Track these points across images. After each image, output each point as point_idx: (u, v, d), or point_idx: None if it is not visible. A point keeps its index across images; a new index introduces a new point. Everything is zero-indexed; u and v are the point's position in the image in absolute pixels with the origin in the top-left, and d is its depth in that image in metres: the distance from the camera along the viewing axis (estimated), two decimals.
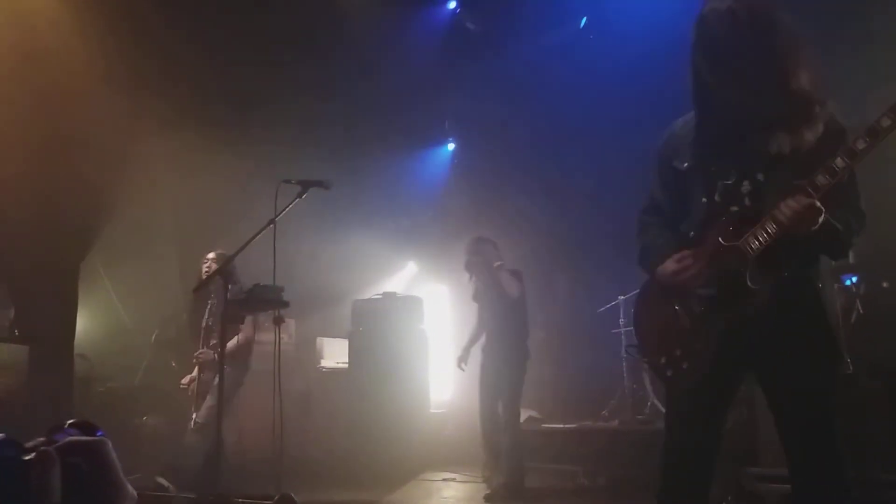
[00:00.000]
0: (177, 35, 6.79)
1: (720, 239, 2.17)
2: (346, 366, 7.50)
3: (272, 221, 4.02)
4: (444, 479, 6.19)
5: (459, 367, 5.63)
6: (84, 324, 7.77)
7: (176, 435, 5.71)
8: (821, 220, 1.98)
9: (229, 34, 7.12)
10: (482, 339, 5.51)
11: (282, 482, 4.29)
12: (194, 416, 5.06)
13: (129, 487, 0.64)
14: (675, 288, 2.27)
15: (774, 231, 2.05)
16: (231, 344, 5.04)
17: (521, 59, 8.03)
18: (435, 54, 8.01)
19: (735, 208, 2.17)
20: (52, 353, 6.70)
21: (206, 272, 5.22)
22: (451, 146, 9.87)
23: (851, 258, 5.74)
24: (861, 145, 1.96)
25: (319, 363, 7.74)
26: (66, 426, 0.67)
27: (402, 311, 7.32)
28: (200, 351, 5.15)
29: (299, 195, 4.08)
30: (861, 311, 5.52)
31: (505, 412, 5.17)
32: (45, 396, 5.88)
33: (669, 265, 2.26)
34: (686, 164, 2.32)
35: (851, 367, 4.93)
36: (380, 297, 7.56)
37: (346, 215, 8.14)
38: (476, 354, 5.58)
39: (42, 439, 0.64)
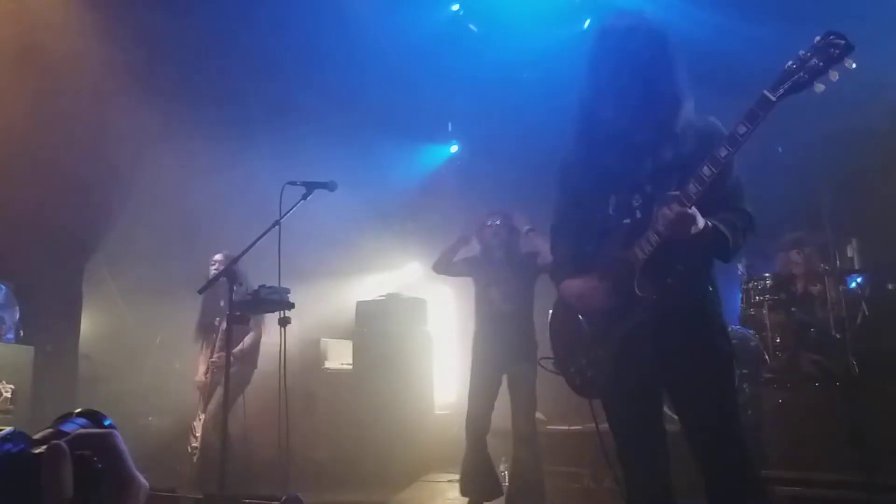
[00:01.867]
0: (182, 36, 6.81)
1: (612, 251, 2.29)
2: (351, 367, 7.50)
3: (277, 222, 4.03)
4: (449, 481, 6.17)
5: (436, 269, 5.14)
6: (89, 325, 7.79)
7: (180, 436, 5.73)
8: (697, 225, 2.08)
9: (234, 34, 7.14)
10: (481, 324, 4.82)
11: (288, 483, 4.30)
12: (202, 416, 5.10)
13: (141, 478, 0.64)
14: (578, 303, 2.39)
15: (656, 241, 2.15)
16: (242, 346, 5.16)
17: (524, 61, 8.02)
18: (437, 56, 8.01)
19: (627, 220, 2.28)
20: (57, 354, 6.73)
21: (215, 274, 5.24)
22: (454, 148, 9.87)
23: (857, 259, 5.74)
24: (723, 153, 2.06)
25: (324, 364, 7.74)
26: (74, 415, 0.67)
27: (406, 313, 7.32)
28: (218, 355, 5.16)
29: (304, 197, 4.09)
30: (866, 313, 5.51)
31: (524, 420, 4.50)
32: (49, 397, 5.90)
33: (574, 287, 2.39)
34: (582, 182, 2.43)
35: (857, 369, 4.93)
36: (384, 298, 7.56)
37: (350, 217, 8.14)
38: (465, 342, 5.18)
39: (50, 430, 0.64)
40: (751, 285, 5.90)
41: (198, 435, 5.16)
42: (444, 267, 5.09)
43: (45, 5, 6.48)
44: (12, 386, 5.54)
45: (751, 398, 5.21)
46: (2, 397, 5.49)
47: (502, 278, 4.70)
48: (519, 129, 8.03)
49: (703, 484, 2.17)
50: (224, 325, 5.12)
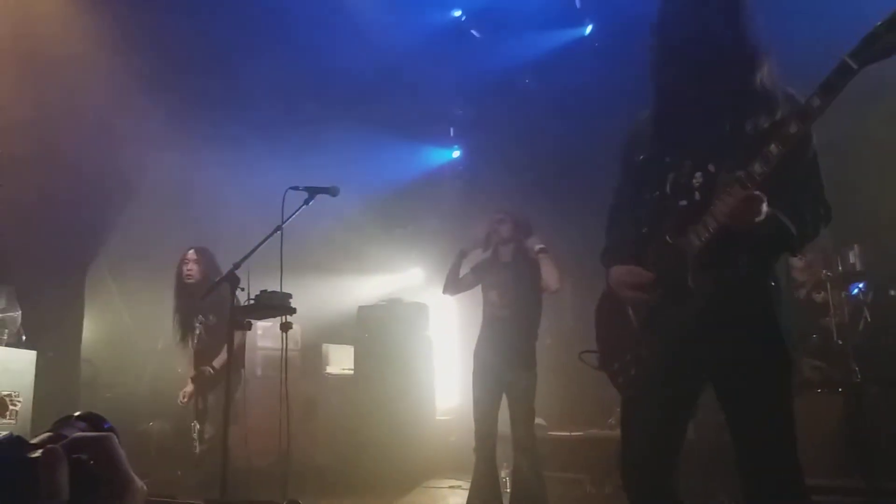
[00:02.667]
0: (186, 39, 6.84)
1: (667, 237, 2.06)
2: (352, 372, 7.50)
3: (279, 228, 4.03)
4: (451, 487, 6.17)
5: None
6: (90, 329, 7.81)
7: (181, 440, 5.72)
8: (763, 211, 1.85)
9: (237, 39, 7.17)
10: (483, 327, 4.66)
11: (288, 488, 4.29)
12: (198, 428, 4.98)
13: (138, 481, 0.64)
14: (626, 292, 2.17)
15: (714, 227, 1.93)
16: (221, 358, 4.89)
17: (526, 66, 8.04)
18: (439, 61, 8.02)
19: (684, 202, 2.05)
20: (58, 358, 6.74)
21: (188, 274, 5.10)
22: (456, 153, 9.89)
23: (859, 265, 5.73)
24: (793, 129, 1.83)
25: (325, 370, 7.74)
26: (73, 418, 0.67)
27: (408, 318, 7.32)
28: (202, 369, 4.98)
29: (306, 202, 4.10)
30: (869, 319, 5.49)
31: (525, 430, 4.37)
32: (51, 401, 5.91)
33: (621, 274, 2.17)
34: (642, 157, 2.22)
35: (859, 376, 4.92)
36: (385, 303, 7.56)
37: (352, 221, 8.15)
38: (466, 347, 5.01)
39: (49, 434, 0.64)
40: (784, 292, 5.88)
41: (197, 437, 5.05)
42: (452, 286, 4.88)
43: (47, 6, 6.50)
44: (20, 400, 5.53)
45: None
46: (9, 409, 5.48)
47: (503, 281, 4.56)
48: (521, 134, 8.05)
49: (745, 487, 2.00)
50: (202, 335, 5.03)
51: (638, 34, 2.31)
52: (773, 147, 1.84)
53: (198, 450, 4.99)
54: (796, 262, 5.96)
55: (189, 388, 5.12)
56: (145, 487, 0.65)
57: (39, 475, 0.58)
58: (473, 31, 8.19)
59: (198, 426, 5.00)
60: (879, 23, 1.76)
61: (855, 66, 1.76)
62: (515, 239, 4.62)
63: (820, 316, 5.53)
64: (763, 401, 2.00)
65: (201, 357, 5.06)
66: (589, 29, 7.83)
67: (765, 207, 1.85)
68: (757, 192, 1.83)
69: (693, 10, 2.02)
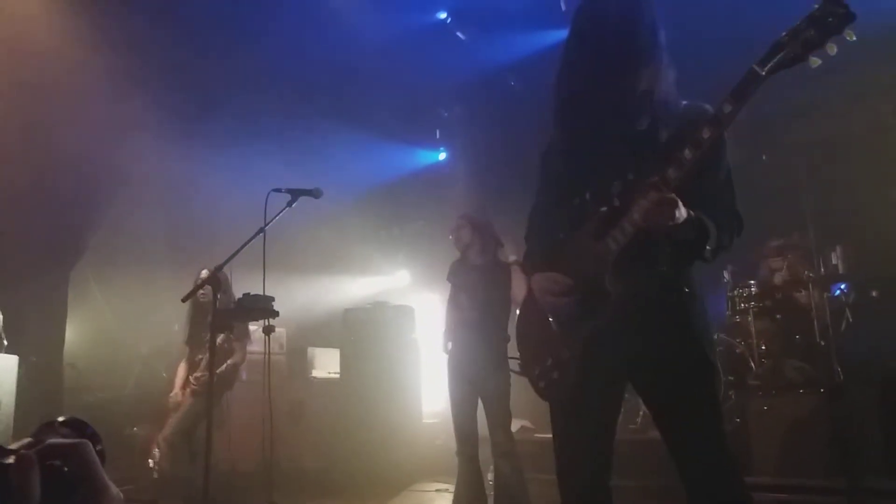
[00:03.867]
0: (174, 41, 6.81)
1: (584, 241, 2.08)
2: (338, 376, 7.48)
3: (262, 230, 4.01)
4: (437, 490, 6.16)
5: (445, 352, 4.74)
6: (74, 333, 7.75)
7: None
8: (678, 216, 1.86)
9: (224, 41, 7.14)
10: (454, 331, 4.61)
11: (272, 492, 4.27)
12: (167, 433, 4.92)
13: (114, 488, 0.64)
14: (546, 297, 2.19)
15: (630, 231, 1.95)
16: (224, 368, 4.89)
17: (511, 69, 8.06)
18: (425, 63, 8.04)
19: (604, 209, 2.05)
20: (41, 363, 6.67)
21: (203, 294, 5.07)
22: (442, 155, 9.90)
23: (841, 267, 5.79)
24: (706, 133, 1.85)
25: (311, 373, 7.72)
26: (56, 423, 0.67)
27: (394, 321, 7.30)
28: (200, 375, 4.90)
29: (289, 204, 4.06)
30: (850, 320, 5.56)
31: (503, 434, 4.34)
32: (34, 406, 5.85)
33: (541, 280, 2.18)
34: (562, 164, 2.24)
35: (842, 376, 4.97)
36: (371, 306, 7.56)
37: (337, 224, 8.14)
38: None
39: (28, 440, 0.64)
40: (736, 293, 5.95)
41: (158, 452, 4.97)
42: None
43: (36, 6, 6.45)
44: None
45: (736, 405, 5.24)
46: None
47: (471, 284, 4.53)
48: (506, 136, 8.08)
49: (686, 491, 2.04)
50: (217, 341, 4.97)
51: None
52: (686, 152, 1.86)
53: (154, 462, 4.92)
54: (778, 263, 6.02)
55: (177, 393, 5.08)
56: (121, 494, 0.65)
57: (11, 480, 0.58)
58: (459, 34, 8.20)
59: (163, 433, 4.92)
60: (783, 33, 1.79)
61: (762, 73, 1.79)
62: (477, 242, 4.60)
63: (801, 316, 5.59)
64: (683, 401, 2.03)
65: (196, 366, 5.01)
66: None
67: (681, 212, 1.87)
68: (671, 196, 1.84)
69: (603, 20, 2.04)
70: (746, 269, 6.15)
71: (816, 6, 1.75)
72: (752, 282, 5.92)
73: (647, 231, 1.92)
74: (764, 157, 6.12)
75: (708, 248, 1.98)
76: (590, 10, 2.11)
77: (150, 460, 5.08)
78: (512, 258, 4.60)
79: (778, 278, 5.99)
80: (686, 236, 1.94)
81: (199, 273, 5.09)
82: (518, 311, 2.39)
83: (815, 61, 1.76)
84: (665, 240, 1.97)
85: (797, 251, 5.94)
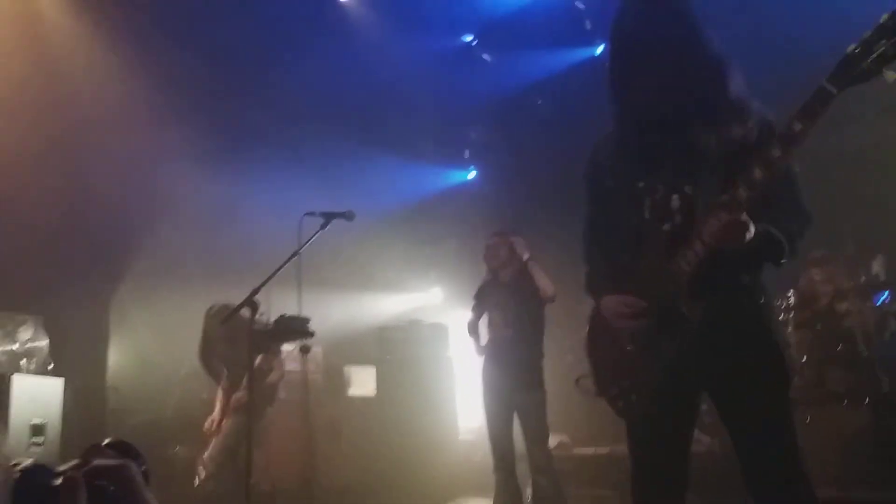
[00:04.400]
0: (210, 74, 6.97)
1: (653, 263, 2.04)
2: (374, 394, 7.50)
3: (296, 253, 4.05)
4: None
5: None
6: (115, 357, 7.90)
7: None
8: (749, 233, 1.84)
9: (259, 71, 7.31)
10: (487, 349, 4.68)
11: None
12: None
13: None
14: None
15: (702, 251, 1.91)
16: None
17: (537, 88, 8.09)
18: (453, 84, 8.11)
19: (667, 226, 2.01)
20: (85, 386, 6.83)
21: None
22: (471, 175, 9.95)
23: (883, 275, 5.66)
24: (777, 153, 1.80)
25: (347, 391, 7.76)
26: (102, 446, 0.71)
27: (429, 339, 7.33)
28: (242, 393, 4.81)
29: (322, 227, 4.09)
30: (895, 329, 5.42)
31: (540, 450, 4.37)
32: (79, 429, 5.97)
33: (613, 304, 2.14)
34: (611, 182, 2.19)
35: (888, 385, 4.84)
36: (406, 324, 7.59)
37: (370, 244, 8.21)
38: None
39: (76, 461, 0.68)
40: (776, 303, 5.84)
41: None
42: (472, 332, 4.88)
43: (59, 21, 6.62)
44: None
45: None
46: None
47: (503, 302, 4.56)
48: (534, 154, 8.09)
49: (755, 499, 2.01)
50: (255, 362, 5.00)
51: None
52: (756, 172, 1.82)
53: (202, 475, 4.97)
54: (816, 272, 5.90)
55: (216, 414, 5.14)
56: None
57: (60, 501, 0.62)
58: (485, 56, 8.27)
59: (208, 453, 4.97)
60: (853, 46, 1.71)
61: (834, 91, 1.72)
62: (515, 262, 4.61)
63: (843, 326, 5.47)
64: (764, 414, 2.00)
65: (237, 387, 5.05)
66: (600, 49, 7.86)
67: (752, 229, 1.85)
68: (743, 219, 1.82)
69: (648, 25, 1.99)
70: (784, 279, 6.05)
71: (886, 15, 1.65)
72: (791, 291, 5.82)
73: (718, 251, 1.89)
74: (797, 169, 6.03)
75: (783, 260, 1.97)
76: (631, 25, 2.06)
77: (195, 479, 5.14)
78: (525, 255, 4.59)
79: (819, 288, 5.88)
80: (758, 249, 1.91)
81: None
82: (587, 333, 2.35)
83: (891, 75, 1.67)
84: (737, 255, 1.93)
85: (837, 261, 5.82)
